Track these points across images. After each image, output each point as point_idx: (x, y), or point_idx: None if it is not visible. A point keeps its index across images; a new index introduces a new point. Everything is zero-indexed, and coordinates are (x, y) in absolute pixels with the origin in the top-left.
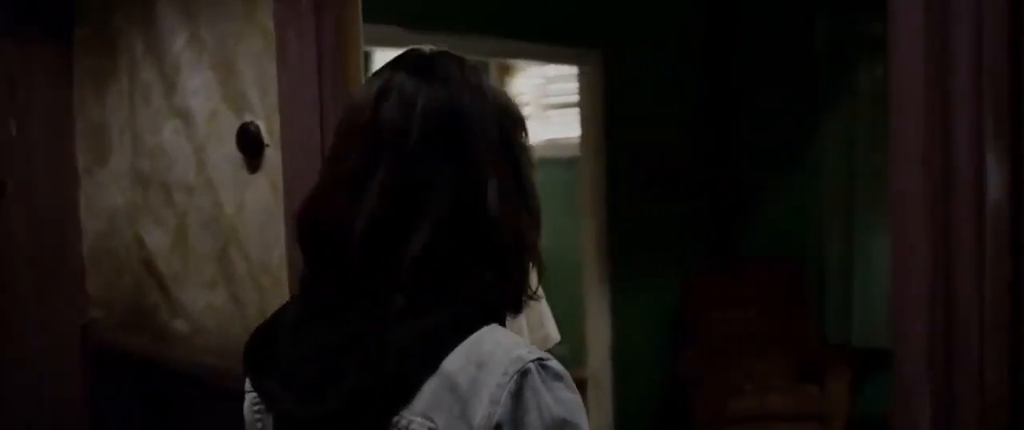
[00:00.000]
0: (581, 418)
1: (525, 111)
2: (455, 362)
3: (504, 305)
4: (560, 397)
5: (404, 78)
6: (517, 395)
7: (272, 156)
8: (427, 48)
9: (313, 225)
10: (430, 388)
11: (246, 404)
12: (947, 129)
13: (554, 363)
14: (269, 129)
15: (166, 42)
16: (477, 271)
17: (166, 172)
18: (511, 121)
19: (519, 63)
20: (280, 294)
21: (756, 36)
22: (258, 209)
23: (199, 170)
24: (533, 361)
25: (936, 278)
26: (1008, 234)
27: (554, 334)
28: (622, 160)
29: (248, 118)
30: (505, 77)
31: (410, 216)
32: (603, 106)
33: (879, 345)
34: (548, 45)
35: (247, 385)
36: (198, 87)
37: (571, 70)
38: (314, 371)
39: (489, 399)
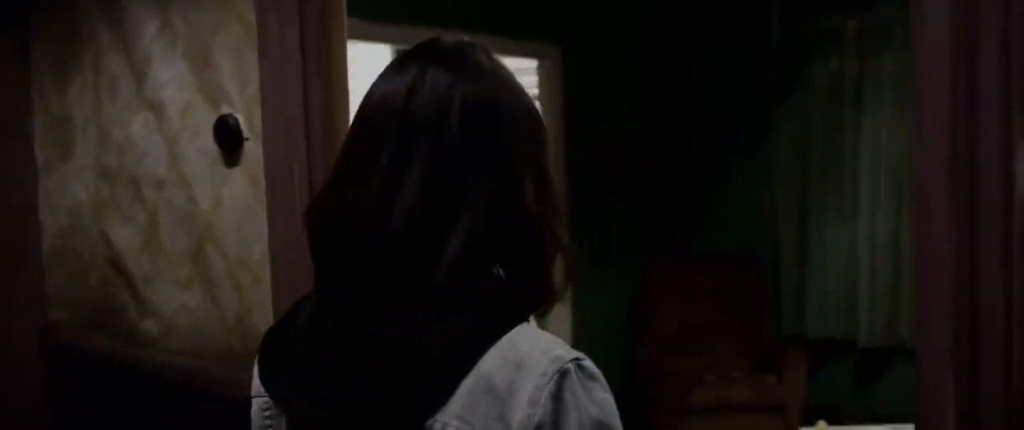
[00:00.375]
0: (616, 420)
1: None
2: (491, 363)
3: (534, 304)
4: (596, 398)
5: (437, 71)
6: (557, 396)
7: (252, 149)
8: (450, 38)
9: (330, 221)
10: (465, 390)
11: (254, 408)
12: (973, 119)
13: (589, 363)
14: (249, 122)
15: (135, 31)
16: (509, 269)
17: (135, 167)
18: (533, 116)
19: None
20: (261, 292)
21: (713, 32)
22: (237, 204)
23: (172, 165)
24: (571, 361)
25: (961, 270)
26: None
27: None
28: (580, 155)
29: (226, 110)
30: None
31: (447, 213)
32: (562, 100)
33: (833, 336)
34: (507, 39)
35: (255, 389)
36: (170, 79)
37: (527, 64)
38: (333, 372)
39: (528, 400)
